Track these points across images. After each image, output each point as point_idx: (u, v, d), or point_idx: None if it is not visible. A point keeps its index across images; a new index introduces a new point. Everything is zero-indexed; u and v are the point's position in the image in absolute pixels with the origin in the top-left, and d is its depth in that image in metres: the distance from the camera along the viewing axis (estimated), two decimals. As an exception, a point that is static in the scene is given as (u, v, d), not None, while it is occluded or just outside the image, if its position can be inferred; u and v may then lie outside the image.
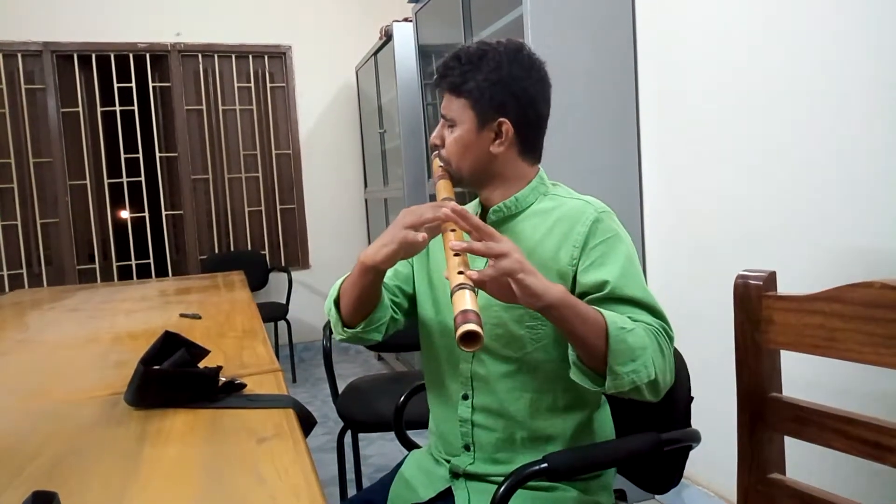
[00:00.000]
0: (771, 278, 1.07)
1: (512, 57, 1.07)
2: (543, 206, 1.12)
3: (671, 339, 1.02)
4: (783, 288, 1.07)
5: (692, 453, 1.16)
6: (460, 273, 0.90)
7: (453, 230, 0.98)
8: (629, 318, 1.00)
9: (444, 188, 1.11)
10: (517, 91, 1.06)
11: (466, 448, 1.13)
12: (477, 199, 1.20)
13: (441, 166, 1.14)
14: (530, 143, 1.12)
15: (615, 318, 0.95)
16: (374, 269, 1.05)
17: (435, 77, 1.13)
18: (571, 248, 1.05)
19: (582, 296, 1.04)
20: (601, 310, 0.96)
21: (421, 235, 0.99)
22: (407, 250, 1.02)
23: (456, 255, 0.93)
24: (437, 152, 1.15)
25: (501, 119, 1.07)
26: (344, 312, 1.15)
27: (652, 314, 1.03)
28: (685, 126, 2.03)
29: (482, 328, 0.82)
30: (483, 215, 1.16)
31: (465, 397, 1.13)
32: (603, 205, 1.10)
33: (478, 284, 0.91)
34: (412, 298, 1.24)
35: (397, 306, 1.22)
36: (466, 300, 0.85)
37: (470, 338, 0.82)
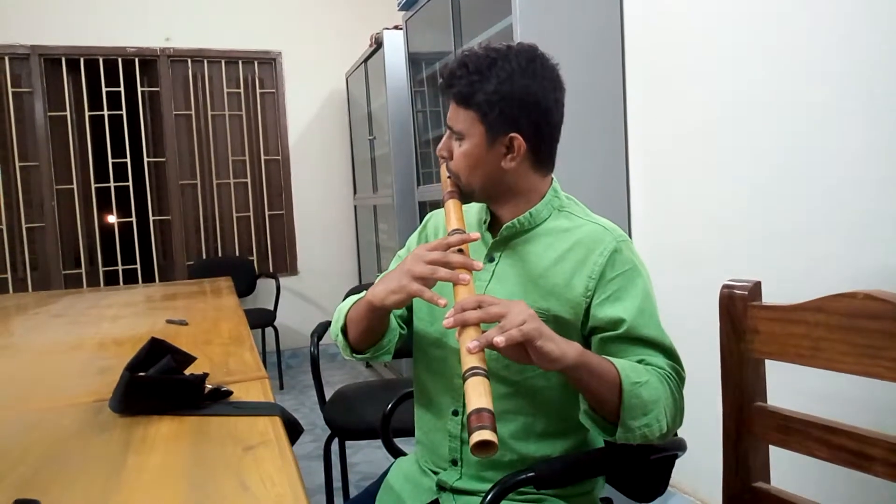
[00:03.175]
0: (756, 288, 1.08)
1: (524, 66, 1.00)
2: (558, 225, 1.08)
3: (683, 380, 1.01)
4: (768, 297, 1.08)
5: (678, 462, 1.16)
6: (473, 349, 0.84)
7: (465, 284, 0.93)
8: (641, 360, 0.99)
9: (453, 213, 1.05)
10: (529, 104, 1.00)
11: (454, 463, 1.11)
12: (484, 205, 1.15)
13: (449, 178, 1.09)
14: (544, 156, 1.07)
15: (629, 371, 0.93)
16: (383, 309, 1.02)
17: (440, 83, 1.07)
18: (587, 278, 1.02)
19: (595, 330, 1.02)
20: (614, 361, 0.94)
21: (428, 294, 0.94)
22: (415, 298, 1.00)
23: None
24: (444, 163, 1.10)
25: (513, 134, 1.01)
26: (352, 340, 1.13)
27: (665, 355, 1.01)
28: (673, 136, 2.04)
29: (496, 433, 0.76)
30: (494, 228, 1.12)
31: (456, 413, 1.10)
32: (622, 232, 1.07)
33: (494, 349, 0.86)
34: (411, 307, 1.21)
35: (402, 319, 1.20)
36: (482, 394, 0.80)
37: (485, 446, 0.76)
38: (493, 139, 1.02)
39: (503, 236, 1.10)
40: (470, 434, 0.76)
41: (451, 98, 1.04)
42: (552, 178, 1.12)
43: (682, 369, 1.02)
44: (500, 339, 0.83)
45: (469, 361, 0.84)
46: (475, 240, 1.00)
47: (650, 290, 1.04)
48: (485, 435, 0.75)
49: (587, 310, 1.02)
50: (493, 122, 1.01)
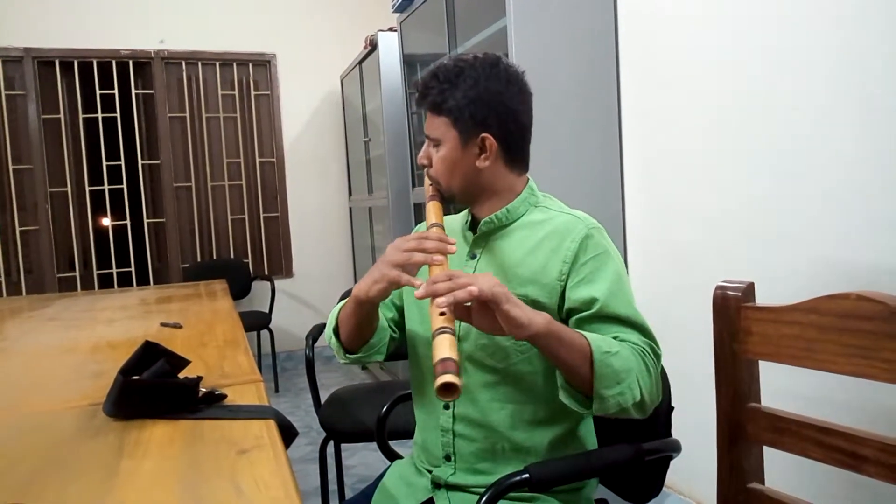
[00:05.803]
0: (749, 289, 1.08)
1: (489, 72, 1.08)
2: (534, 219, 1.14)
3: (658, 357, 1.03)
4: (761, 298, 1.09)
5: (673, 463, 1.16)
6: (442, 314, 0.90)
7: (439, 264, 0.99)
8: (616, 337, 1.01)
9: (433, 211, 1.12)
10: (496, 105, 1.08)
11: (447, 458, 1.13)
12: (466, 210, 1.21)
13: (431, 185, 1.16)
14: (515, 155, 1.13)
15: (600, 342, 0.96)
16: (369, 302, 1.06)
17: (416, 96, 1.15)
18: (561, 263, 1.06)
19: (570, 312, 1.06)
20: (586, 333, 0.97)
21: (406, 278, 0.99)
22: (397, 287, 1.04)
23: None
24: (426, 171, 1.16)
25: (484, 134, 1.08)
26: (344, 340, 1.17)
27: (639, 333, 1.04)
28: (667, 137, 2.05)
29: (460, 378, 0.83)
30: (474, 226, 1.17)
31: (447, 406, 1.13)
32: (593, 221, 1.11)
33: (463, 318, 0.92)
34: (402, 311, 1.25)
35: (394, 322, 1.24)
36: (447, 346, 0.86)
37: (448, 388, 0.82)
38: (466, 141, 1.09)
39: (482, 232, 1.15)
40: (435, 380, 0.83)
41: (426, 108, 1.12)
42: (528, 178, 1.18)
43: (658, 346, 1.05)
44: (467, 292, 0.89)
45: (437, 322, 0.90)
46: (452, 244, 1.03)
47: (622, 273, 1.08)
48: (447, 378, 0.82)
49: (562, 293, 1.07)
50: (465, 124, 1.08)
